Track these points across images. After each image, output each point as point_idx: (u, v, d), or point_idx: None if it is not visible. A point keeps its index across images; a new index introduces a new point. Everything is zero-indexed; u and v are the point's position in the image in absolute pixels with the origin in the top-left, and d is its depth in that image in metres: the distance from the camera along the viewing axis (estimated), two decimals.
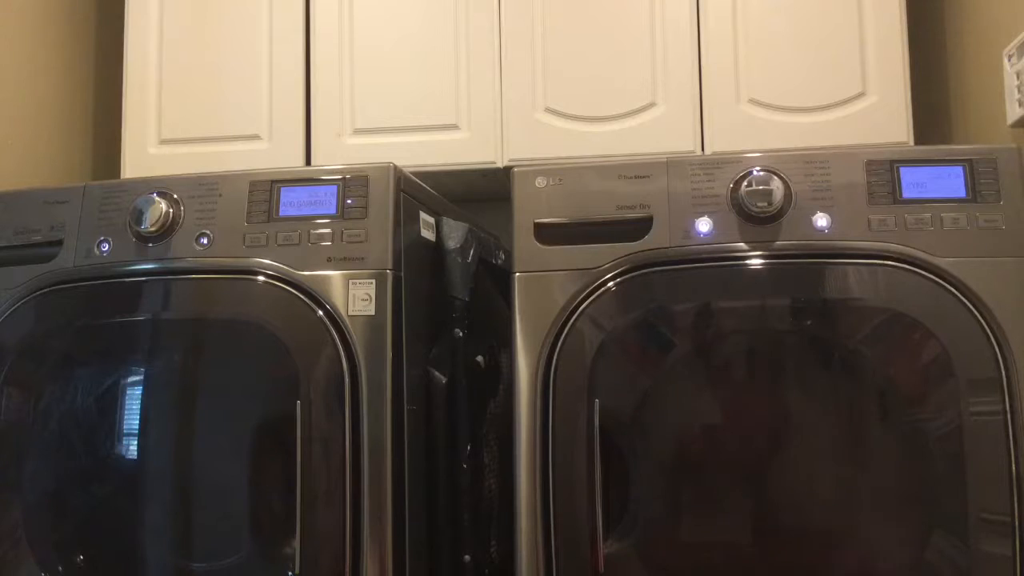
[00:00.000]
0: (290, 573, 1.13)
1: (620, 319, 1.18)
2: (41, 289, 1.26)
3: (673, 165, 1.21)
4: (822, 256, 1.16)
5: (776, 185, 1.16)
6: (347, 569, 1.12)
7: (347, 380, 1.16)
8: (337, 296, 1.18)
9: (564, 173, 1.23)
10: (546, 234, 1.21)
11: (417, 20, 1.71)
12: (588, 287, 1.18)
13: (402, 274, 1.21)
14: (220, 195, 1.25)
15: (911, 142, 1.56)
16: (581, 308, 1.18)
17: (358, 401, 1.15)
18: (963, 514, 1.08)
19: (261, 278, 1.21)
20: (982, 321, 1.11)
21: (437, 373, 1.28)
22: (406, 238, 1.24)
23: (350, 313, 1.17)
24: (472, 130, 1.68)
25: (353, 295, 1.18)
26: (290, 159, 1.69)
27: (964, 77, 1.58)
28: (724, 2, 1.64)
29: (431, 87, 1.69)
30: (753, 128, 1.60)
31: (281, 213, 1.23)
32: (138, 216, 1.23)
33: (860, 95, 1.59)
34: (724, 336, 1.18)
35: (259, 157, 1.69)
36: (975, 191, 1.15)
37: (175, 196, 1.26)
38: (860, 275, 1.15)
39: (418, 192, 1.32)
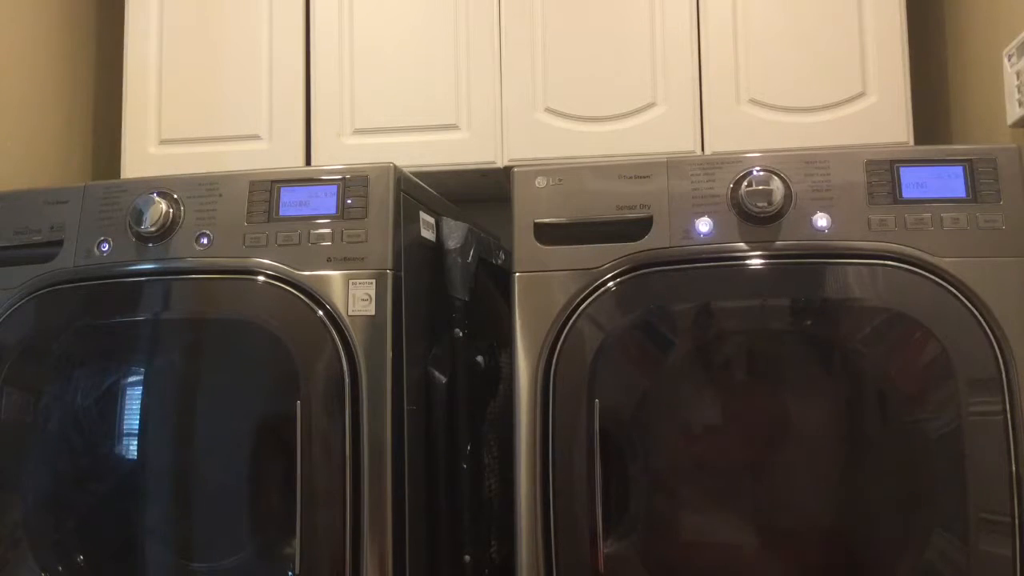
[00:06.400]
0: (290, 573, 1.13)
1: (620, 319, 1.18)
2: (41, 289, 1.26)
3: (673, 165, 1.21)
4: (822, 256, 1.16)
5: (776, 185, 1.16)
6: (347, 569, 1.13)
7: (347, 380, 1.16)
8: (337, 296, 1.18)
9: (564, 173, 1.23)
10: (546, 234, 1.21)
11: (417, 20, 1.71)
12: (588, 287, 1.18)
13: (402, 274, 1.21)
14: (220, 195, 1.25)
15: (911, 142, 1.56)
16: (581, 308, 1.18)
17: (358, 401, 1.15)
18: (963, 514, 1.08)
19: (261, 278, 1.21)
20: (982, 321, 1.11)
21: (437, 373, 1.28)
22: (406, 238, 1.24)
23: (350, 313, 1.17)
24: (472, 130, 1.68)
25: (353, 295, 1.18)
26: (290, 159, 1.70)
27: (964, 77, 1.58)
28: (724, 2, 1.64)
29: (431, 87, 1.69)
30: (753, 128, 1.60)
31: (281, 213, 1.23)
32: (138, 216, 1.24)
33: (860, 95, 1.59)
34: (724, 336, 1.18)
35: (259, 157, 1.69)
36: (975, 191, 1.15)
37: (175, 196, 1.26)
38: (860, 275, 1.15)
39: (418, 192, 1.32)
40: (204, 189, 1.26)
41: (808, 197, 1.17)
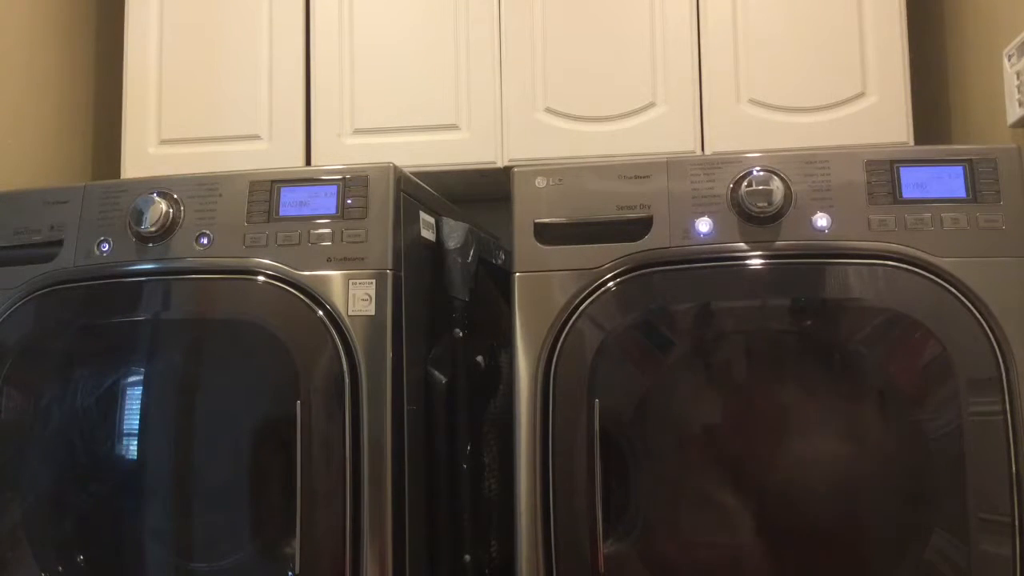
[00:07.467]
0: (290, 573, 1.13)
1: (620, 319, 1.18)
2: (41, 289, 1.26)
3: (673, 165, 1.21)
4: (822, 256, 1.16)
5: (776, 185, 1.16)
6: (347, 569, 1.13)
7: (347, 380, 1.16)
8: (337, 296, 1.18)
9: (564, 173, 1.23)
10: (546, 234, 1.21)
11: (417, 20, 1.71)
12: (588, 287, 1.18)
13: (402, 274, 1.21)
14: (220, 195, 1.25)
15: (911, 142, 1.56)
16: (581, 308, 1.18)
17: (358, 401, 1.15)
18: (963, 514, 1.08)
19: (261, 278, 1.21)
20: (982, 321, 1.11)
21: (437, 373, 1.28)
22: (406, 238, 1.24)
23: (350, 313, 1.17)
24: (472, 130, 1.68)
25: (353, 295, 1.18)
26: (290, 159, 1.70)
27: (964, 77, 1.58)
28: (724, 2, 1.64)
29: (431, 87, 1.69)
30: (753, 128, 1.60)
31: (281, 213, 1.23)
32: (138, 216, 1.24)
33: (860, 95, 1.59)
34: (724, 336, 1.18)
35: (259, 157, 1.69)
36: (975, 191, 1.15)
37: (175, 196, 1.26)
38: (860, 275, 1.15)
39: (418, 192, 1.32)
40: (204, 189, 1.26)
41: (808, 197, 1.17)
